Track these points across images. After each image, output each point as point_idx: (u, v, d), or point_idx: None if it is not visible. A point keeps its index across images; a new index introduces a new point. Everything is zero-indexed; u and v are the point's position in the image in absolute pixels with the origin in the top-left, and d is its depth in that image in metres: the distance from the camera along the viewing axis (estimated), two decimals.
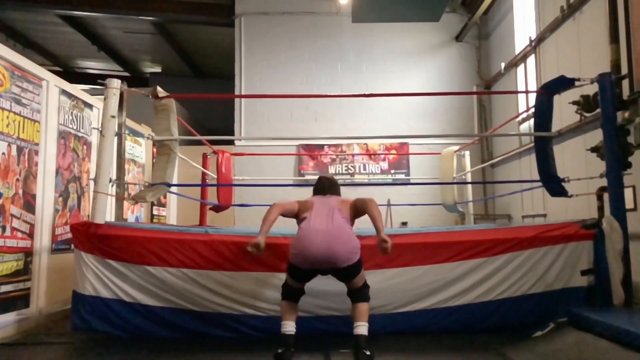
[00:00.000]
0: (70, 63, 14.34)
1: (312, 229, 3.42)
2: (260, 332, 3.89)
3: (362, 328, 3.32)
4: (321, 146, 9.46)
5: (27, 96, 4.27)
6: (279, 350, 3.27)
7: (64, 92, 4.86)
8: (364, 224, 3.83)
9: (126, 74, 14.56)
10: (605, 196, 4.33)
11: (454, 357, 3.50)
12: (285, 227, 4.04)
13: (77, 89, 5.27)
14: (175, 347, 3.69)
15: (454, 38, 9.93)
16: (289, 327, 3.38)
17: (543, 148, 4.62)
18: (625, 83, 4.99)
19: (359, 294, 3.45)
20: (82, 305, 3.83)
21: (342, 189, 4.12)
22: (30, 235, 4.29)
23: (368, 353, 3.22)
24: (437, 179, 8.29)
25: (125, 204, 5.49)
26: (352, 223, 3.64)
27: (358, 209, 3.67)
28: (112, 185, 4.26)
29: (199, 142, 7.80)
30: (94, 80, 12.48)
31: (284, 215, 3.67)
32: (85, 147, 5.30)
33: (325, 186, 3.94)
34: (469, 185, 8.09)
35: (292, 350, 3.31)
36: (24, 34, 11.99)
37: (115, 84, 4.24)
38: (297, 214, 3.66)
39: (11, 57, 4.12)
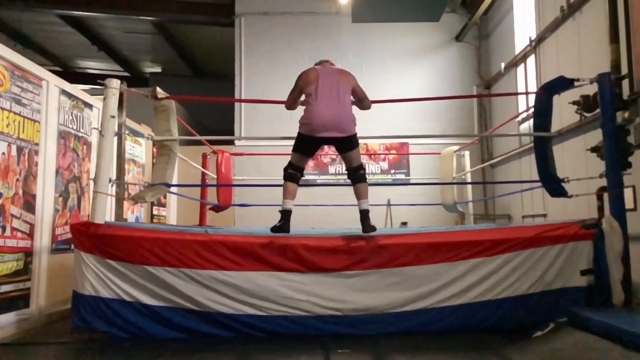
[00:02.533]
0: (70, 63, 14.36)
1: (320, 103, 4.00)
2: (260, 332, 3.88)
3: (364, 204, 4.04)
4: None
5: (27, 96, 4.27)
6: (279, 223, 3.95)
7: (64, 92, 4.86)
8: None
9: (126, 74, 14.57)
10: (605, 196, 4.33)
11: (454, 357, 3.50)
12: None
13: (77, 89, 5.27)
14: (175, 347, 3.69)
15: (454, 38, 9.94)
16: (289, 204, 4.03)
17: (543, 148, 4.62)
18: (625, 83, 4.99)
19: (357, 174, 4.15)
20: (82, 305, 3.82)
21: (342, 189, 4.27)
22: (30, 235, 4.29)
23: (372, 225, 3.96)
24: (437, 179, 8.30)
25: (125, 204, 5.50)
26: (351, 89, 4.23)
27: (354, 93, 4.30)
28: (112, 185, 4.26)
29: (198, 142, 7.81)
30: (94, 80, 12.48)
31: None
32: (85, 147, 5.30)
33: (327, 59, 4.42)
34: (469, 185, 8.09)
35: (289, 223, 3.95)
36: (24, 34, 12.00)
37: (115, 84, 4.24)
38: (302, 86, 4.20)
39: (11, 57, 4.12)
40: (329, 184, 9.23)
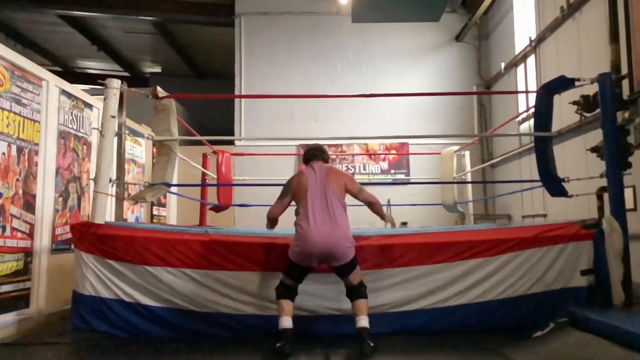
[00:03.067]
0: (70, 63, 14.35)
1: (313, 229, 3.54)
2: (260, 332, 3.88)
3: (363, 321, 3.47)
4: None
5: (27, 96, 4.27)
6: (278, 344, 3.37)
7: (64, 92, 4.86)
8: (364, 224, 3.82)
9: (126, 74, 14.56)
10: (605, 196, 4.33)
11: (454, 357, 3.50)
12: (285, 227, 4.04)
13: (77, 89, 5.27)
14: (175, 347, 3.69)
15: (454, 38, 9.93)
16: (287, 322, 3.49)
17: (543, 148, 4.62)
18: (625, 83, 4.99)
19: (356, 292, 3.59)
20: (82, 305, 3.83)
21: None
22: (30, 235, 4.29)
23: (372, 344, 3.36)
24: (437, 179, 8.29)
25: (125, 204, 5.49)
26: (344, 194, 3.83)
27: (352, 196, 3.89)
28: (112, 185, 4.26)
29: (199, 142, 7.80)
30: (94, 80, 12.51)
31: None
32: (85, 147, 5.30)
33: (315, 155, 3.99)
34: (469, 185, 8.09)
35: (290, 344, 3.40)
36: (24, 34, 11.99)
37: (115, 84, 4.24)
38: (293, 194, 3.80)
39: (11, 57, 4.12)
40: None
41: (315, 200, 3.64)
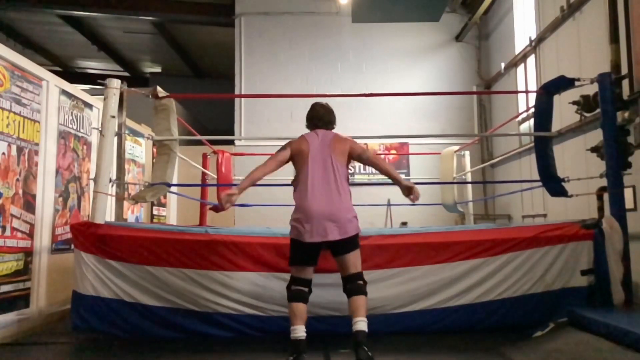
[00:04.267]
0: (70, 63, 14.34)
1: (311, 198, 3.28)
2: (260, 332, 3.89)
3: (361, 324, 3.15)
4: None
5: (27, 96, 4.27)
6: (291, 358, 3.09)
7: (64, 92, 4.86)
8: (364, 224, 3.82)
9: (126, 74, 14.55)
10: (605, 196, 4.33)
11: (454, 357, 3.50)
12: (285, 227, 4.03)
13: (77, 89, 5.27)
14: (175, 347, 3.69)
15: (454, 38, 9.93)
16: (300, 332, 3.16)
17: (543, 148, 4.62)
18: (625, 83, 4.99)
19: (355, 284, 3.28)
20: (82, 305, 3.83)
21: None
22: (30, 235, 4.29)
23: (369, 353, 3.08)
24: (437, 179, 8.29)
25: (125, 204, 5.49)
26: (348, 167, 3.54)
27: (356, 158, 3.62)
28: (112, 185, 4.27)
29: (199, 142, 7.80)
30: (94, 80, 12.48)
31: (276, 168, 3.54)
32: (85, 147, 5.30)
33: (322, 117, 3.70)
34: (469, 185, 8.09)
35: (304, 355, 3.12)
36: (24, 34, 11.99)
37: (115, 84, 4.24)
38: (291, 159, 3.53)
39: (11, 57, 4.12)
40: None
41: (316, 170, 3.37)
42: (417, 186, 3.50)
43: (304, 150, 3.49)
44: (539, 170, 4.65)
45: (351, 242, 3.33)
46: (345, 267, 3.33)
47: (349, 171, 3.52)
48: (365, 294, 3.30)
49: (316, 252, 3.35)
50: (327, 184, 3.37)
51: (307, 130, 3.78)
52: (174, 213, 8.23)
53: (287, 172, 9.74)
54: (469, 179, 8.07)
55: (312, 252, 3.33)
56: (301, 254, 3.34)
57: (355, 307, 3.22)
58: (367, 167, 9.55)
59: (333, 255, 3.38)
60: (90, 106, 5.39)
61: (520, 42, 8.22)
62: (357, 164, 9.51)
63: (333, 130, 3.73)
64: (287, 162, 3.58)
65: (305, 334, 3.19)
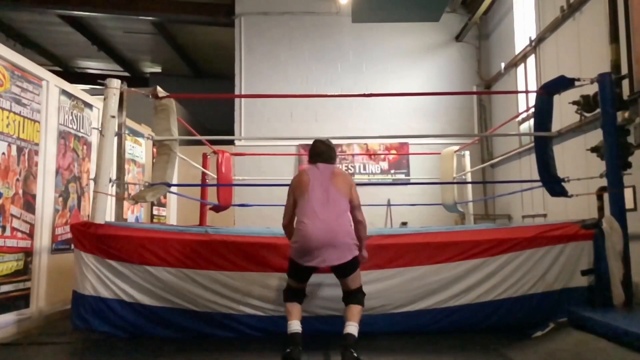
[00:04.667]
0: (70, 63, 14.34)
1: (312, 223, 3.37)
2: (260, 332, 3.89)
3: (352, 328, 3.28)
4: None
5: (27, 96, 4.27)
6: (288, 350, 3.21)
7: (64, 92, 4.86)
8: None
9: (126, 74, 14.56)
10: (605, 196, 4.33)
11: (454, 357, 3.50)
12: None
13: (77, 89, 5.27)
14: (175, 347, 3.69)
15: (454, 38, 9.93)
16: (295, 326, 3.33)
17: (543, 148, 4.62)
18: (625, 83, 4.99)
19: (353, 297, 3.44)
20: (82, 305, 3.83)
21: None
22: (30, 235, 4.29)
23: (355, 354, 3.14)
24: (437, 179, 8.29)
25: (125, 204, 5.49)
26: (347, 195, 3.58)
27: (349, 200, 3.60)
28: (112, 185, 4.26)
29: (199, 142, 7.80)
30: (94, 80, 12.50)
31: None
32: (85, 147, 5.30)
33: (322, 153, 3.75)
34: (469, 185, 8.09)
35: (300, 348, 3.25)
36: (24, 34, 11.99)
37: (115, 84, 4.24)
38: (296, 196, 3.58)
39: (11, 57, 4.12)
40: None
41: (317, 197, 3.46)
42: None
43: (304, 180, 3.58)
44: (539, 170, 4.65)
45: (350, 266, 3.44)
46: (346, 285, 3.49)
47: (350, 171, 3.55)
48: (362, 304, 3.44)
49: (312, 272, 3.52)
50: (327, 210, 3.44)
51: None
52: (174, 213, 8.24)
53: (288, 172, 9.76)
54: (469, 179, 8.07)
55: (309, 273, 3.51)
56: (299, 273, 3.50)
57: (350, 314, 3.37)
58: (367, 167, 9.57)
59: (334, 274, 3.51)
60: (90, 106, 5.39)
61: (520, 42, 8.22)
62: (357, 164, 9.53)
63: (332, 166, 3.75)
64: (294, 196, 3.62)
65: (300, 329, 3.33)
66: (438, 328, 3.95)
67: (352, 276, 3.46)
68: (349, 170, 9.36)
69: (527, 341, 3.68)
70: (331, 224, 3.38)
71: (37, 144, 4.40)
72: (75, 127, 5.08)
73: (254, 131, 9.50)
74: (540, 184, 4.76)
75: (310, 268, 3.45)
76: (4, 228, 3.94)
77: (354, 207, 3.60)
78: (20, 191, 4.16)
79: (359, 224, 3.60)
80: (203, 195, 7.12)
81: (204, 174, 7.34)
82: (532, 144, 5.19)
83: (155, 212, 7.38)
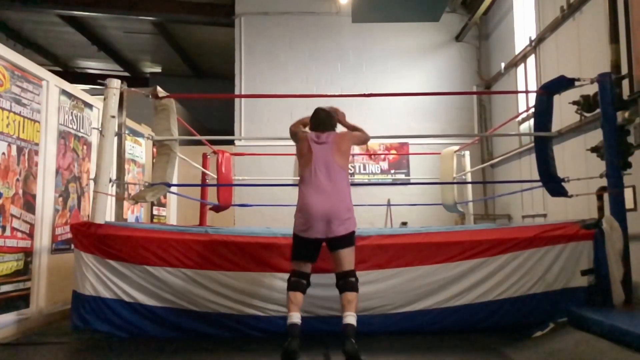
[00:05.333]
0: (70, 63, 14.34)
1: (313, 197, 3.53)
2: (260, 332, 3.89)
3: (350, 318, 3.33)
4: None
5: (27, 96, 4.27)
6: (286, 342, 3.25)
7: (64, 92, 4.86)
8: (364, 224, 3.82)
9: (126, 74, 14.55)
10: (605, 196, 4.33)
11: (454, 357, 3.50)
12: (285, 228, 4.03)
13: (77, 89, 5.27)
14: (175, 347, 3.69)
15: (454, 38, 9.93)
16: (295, 318, 3.38)
17: (543, 148, 4.62)
18: (625, 83, 4.98)
19: (347, 281, 3.46)
20: (82, 305, 3.83)
21: None
22: (30, 235, 4.29)
23: (355, 344, 3.20)
24: (437, 179, 8.29)
25: (125, 204, 5.50)
26: (349, 158, 3.93)
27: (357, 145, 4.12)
28: (112, 185, 4.27)
29: (199, 142, 7.80)
30: (94, 80, 12.49)
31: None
32: (85, 147, 5.30)
33: (324, 120, 3.94)
34: (469, 185, 8.09)
35: (298, 341, 3.29)
36: (24, 34, 11.99)
37: (115, 84, 4.24)
38: (297, 150, 3.86)
39: (11, 57, 4.12)
40: None
41: (318, 171, 3.61)
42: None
43: (306, 151, 3.74)
44: (539, 170, 4.65)
45: (347, 239, 3.52)
46: (340, 264, 3.52)
47: (349, 171, 3.65)
48: (356, 290, 3.47)
49: (316, 248, 3.58)
50: (328, 183, 3.57)
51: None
52: (174, 213, 8.23)
53: (287, 173, 9.77)
54: (469, 179, 8.07)
55: (312, 247, 3.57)
56: (302, 249, 3.57)
57: (346, 302, 3.40)
58: (367, 167, 9.57)
59: (329, 250, 3.57)
60: (90, 106, 5.39)
61: (520, 42, 8.22)
62: (357, 164, 9.53)
63: (333, 133, 3.89)
64: (294, 135, 3.96)
65: (299, 321, 3.38)
66: (438, 328, 3.95)
67: (348, 250, 3.52)
68: (349, 170, 9.36)
69: (527, 341, 3.68)
70: (332, 199, 3.52)
71: (37, 144, 4.40)
72: (75, 127, 5.08)
73: (254, 131, 9.50)
74: (540, 184, 4.76)
75: (314, 244, 3.53)
76: (4, 228, 3.94)
77: (362, 141, 4.07)
78: (20, 191, 4.16)
79: (365, 138, 4.02)
80: (203, 195, 7.12)
81: (204, 174, 7.34)
82: (532, 144, 5.19)
83: (155, 212, 7.38)
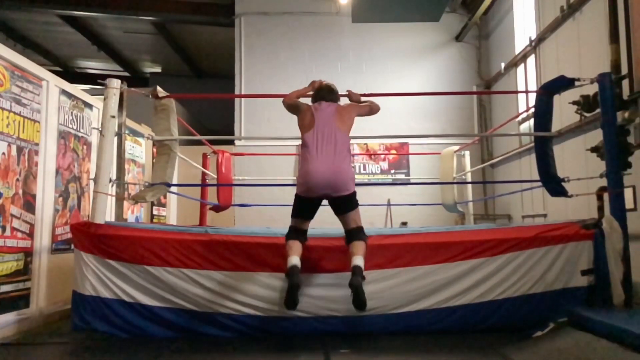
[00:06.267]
0: (70, 63, 14.35)
1: (316, 161, 3.71)
2: (260, 332, 3.89)
3: (358, 260, 3.56)
4: None
5: (27, 96, 4.27)
6: (288, 279, 3.49)
7: (64, 92, 4.86)
8: (364, 224, 3.82)
9: (126, 74, 14.56)
10: (605, 196, 4.33)
11: (454, 357, 3.50)
12: (285, 227, 4.03)
13: (77, 89, 5.27)
14: (175, 347, 3.69)
15: (454, 38, 9.93)
16: (295, 260, 3.58)
17: (543, 148, 4.62)
18: (625, 83, 4.99)
19: (355, 234, 3.71)
20: (82, 305, 3.82)
21: None
22: (30, 235, 4.29)
23: (360, 280, 3.44)
24: (437, 179, 8.29)
25: (125, 204, 5.49)
26: (351, 127, 4.05)
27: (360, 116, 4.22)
28: (112, 185, 4.26)
29: (199, 142, 7.80)
30: (94, 80, 12.50)
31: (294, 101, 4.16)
32: (85, 147, 5.30)
33: (327, 93, 4.16)
34: (469, 185, 8.09)
35: (299, 279, 3.50)
36: (24, 34, 11.99)
37: (115, 84, 4.24)
38: (299, 120, 4.01)
39: (11, 57, 4.12)
40: None
41: (321, 137, 3.79)
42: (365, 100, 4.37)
43: (308, 117, 3.94)
44: (539, 170, 4.65)
45: (349, 202, 3.77)
46: (347, 223, 3.78)
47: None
48: (365, 240, 3.71)
49: (316, 206, 3.83)
50: (329, 148, 3.77)
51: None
52: (174, 213, 8.23)
53: (287, 173, 9.76)
54: (469, 179, 8.07)
55: (313, 206, 3.82)
56: (302, 208, 3.81)
57: (355, 248, 3.65)
58: (367, 167, 9.57)
59: (335, 214, 3.83)
60: (90, 106, 5.39)
61: (520, 42, 8.22)
62: (357, 164, 9.52)
63: (335, 104, 4.13)
64: (295, 107, 4.12)
65: (299, 262, 3.59)
66: (438, 328, 3.95)
67: (352, 213, 3.76)
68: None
69: (527, 341, 3.67)
70: (333, 161, 3.72)
71: (37, 144, 4.40)
72: (75, 127, 5.08)
73: (254, 131, 9.50)
74: (540, 184, 4.76)
75: (314, 203, 3.78)
76: (4, 228, 3.94)
77: (368, 110, 4.27)
78: (20, 191, 4.16)
79: (372, 109, 4.30)
80: (203, 195, 7.12)
81: (204, 174, 7.34)
82: (532, 144, 5.19)
83: (155, 212, 7.38)
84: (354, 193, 3.79)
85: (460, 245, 4.04)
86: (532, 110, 5.00)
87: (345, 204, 3.76)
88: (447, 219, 8.82)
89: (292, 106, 4.15)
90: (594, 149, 4.73)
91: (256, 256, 3.93)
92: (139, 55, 13.83)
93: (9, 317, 3.99)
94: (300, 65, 9.79)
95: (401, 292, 3.94)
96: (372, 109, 4.32)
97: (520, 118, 7.92)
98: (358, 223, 3.77)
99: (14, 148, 4.07)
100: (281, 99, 4.24)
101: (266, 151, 8.98)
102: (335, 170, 3.70)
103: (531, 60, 7.81)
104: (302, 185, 3.75)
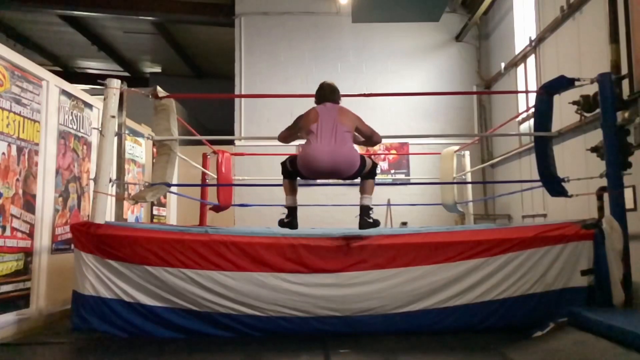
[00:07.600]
0: (70, 63, 14.35)
1: (319, 149, 4.00)
2: (260, 332, 3.88)
3: (366, 199, 4.09)
4: None
5: (27, 96, 4.27)
6: (286, 219, 4.11)
7: (64, 92, 4.86)
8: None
9: (126, 74, 14.57)
10: (605, 196, 4.33)
11: (454, 357, 3.50)
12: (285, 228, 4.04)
13: (77, 89, 5.26)
14: (175, 347, 3.69)
15: (454, 38, 9.94)
16: (293, 200, 4.15)
17: (543, 148, 4.62)
18: (625, 83, 4.99)
19: (367, 174, 4.20)
20: (82, 305, 3.82)
21: (343, 189, 4.29)
22: (30, 235, 4.29)
23: (370, 220, 4.08)
24: (437, 179, 8.29)
25: (125, 204, 5.49)
26: (352, 129, 4.28)
27: (360, 132, 4.40)
28: (112, 185, 4.26)
29: (199, 142, 7.80)
30: (94, 80, 12.51)
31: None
32: (85, 147, 5.30)
33: (327, 93, 4.45)
34: (469, 185, 8.09)
35: (296, 219, 4.04)
36: (24, 34, 12.00)
37: (115, 84, 4.24)
38: (303, 121, 4.25)
39: (11, 57, 4.12)
40: (329, 183, 9.23)
41: (325, 128, 4.04)
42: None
43: (312, 114, 4.21)
44: (539, 170, 4.65)
45: (360, 168, 4.16)
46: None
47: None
48: (374, 177, 4.25)
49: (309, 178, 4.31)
50: (333, 138, 4.04)
51: None
52: (174, 213, 8.23)
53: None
54: (469, 179, 8.07)
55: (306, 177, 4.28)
56: (298, 177, 4.28)
57: (363, 187, 4.21)
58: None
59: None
60: (90, 106, 5.39)
61: (520, 42, 8.22)
62: None
63: (338, 105, 4.45)
64: (293, 130, 4.44)
65: (296, 203, 4.19)
66: (438, 328, 3.94)
67: (364, 172, 4.21)
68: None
69: (527, 341, 3.67)
70: (336, 150, 4.00)
71: (37, 144, 4.40)
72: (75, 127, 5.08)
73: (254, 131, 9.50)
74: (540, 184, 4.76)
75: (309, 176, 4.24)
76: (4, 228, 3.94)
77: (369, 136, 4.41)
78: (20, 191, 4.16)
79: (372, 137, 4.46)
80: (203, 195, 7.13)
81: (204, 174, 7.34)
82: (532, 144, 5.19)
83: (155, 212, 7.38)
84: (362, 164, 4.14)
85: (460, 245, 4.04)
86: (532, 110, 5.00)
87: (356, 175, 4.18)
88: (447, 219, 8.82)
89: (290, 135, 4.48)
90: (594, 149, 4.73)
91: (256, 256, 3.93)
92: (139, 55, 13.84)
93: (9, 317, 3.99)
94: (300, 65, 9.79)
95: (401, 292, 3.94)
96: (374, 135, 4.47)
97: (520, 118, 7.92)
98: (371, 166, 4.24)
99: (14, 148, 4.07)
100: (281, 99, 4.38)
101: (266, 151, 8.97)
102: (339, 157, 4.00)
103: (531, 60, 7.81)
104: (303, 167, 4.07)
